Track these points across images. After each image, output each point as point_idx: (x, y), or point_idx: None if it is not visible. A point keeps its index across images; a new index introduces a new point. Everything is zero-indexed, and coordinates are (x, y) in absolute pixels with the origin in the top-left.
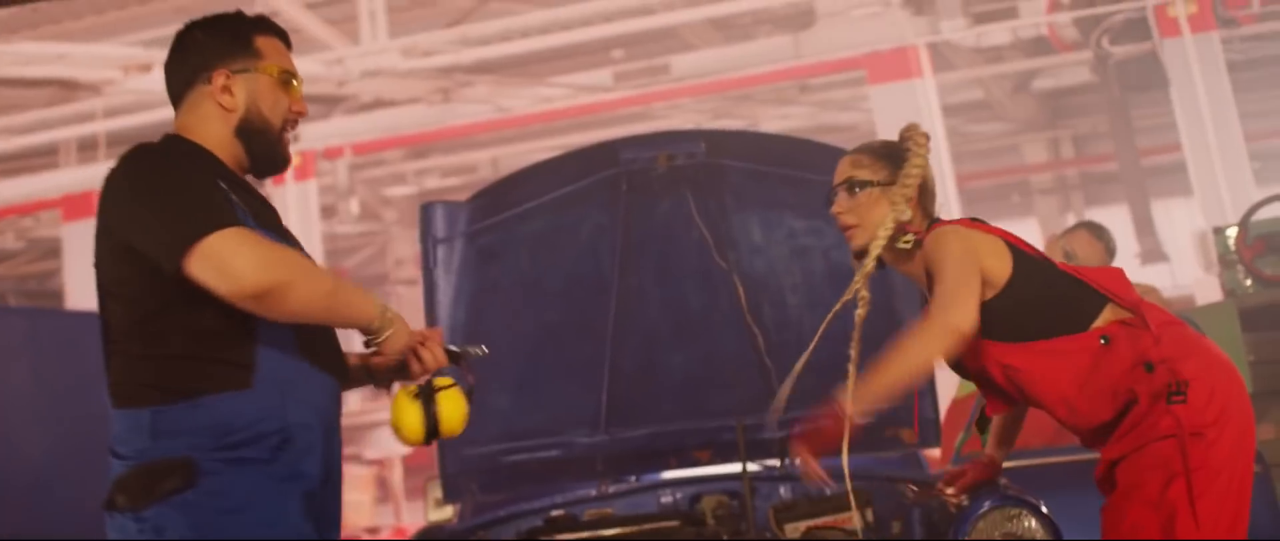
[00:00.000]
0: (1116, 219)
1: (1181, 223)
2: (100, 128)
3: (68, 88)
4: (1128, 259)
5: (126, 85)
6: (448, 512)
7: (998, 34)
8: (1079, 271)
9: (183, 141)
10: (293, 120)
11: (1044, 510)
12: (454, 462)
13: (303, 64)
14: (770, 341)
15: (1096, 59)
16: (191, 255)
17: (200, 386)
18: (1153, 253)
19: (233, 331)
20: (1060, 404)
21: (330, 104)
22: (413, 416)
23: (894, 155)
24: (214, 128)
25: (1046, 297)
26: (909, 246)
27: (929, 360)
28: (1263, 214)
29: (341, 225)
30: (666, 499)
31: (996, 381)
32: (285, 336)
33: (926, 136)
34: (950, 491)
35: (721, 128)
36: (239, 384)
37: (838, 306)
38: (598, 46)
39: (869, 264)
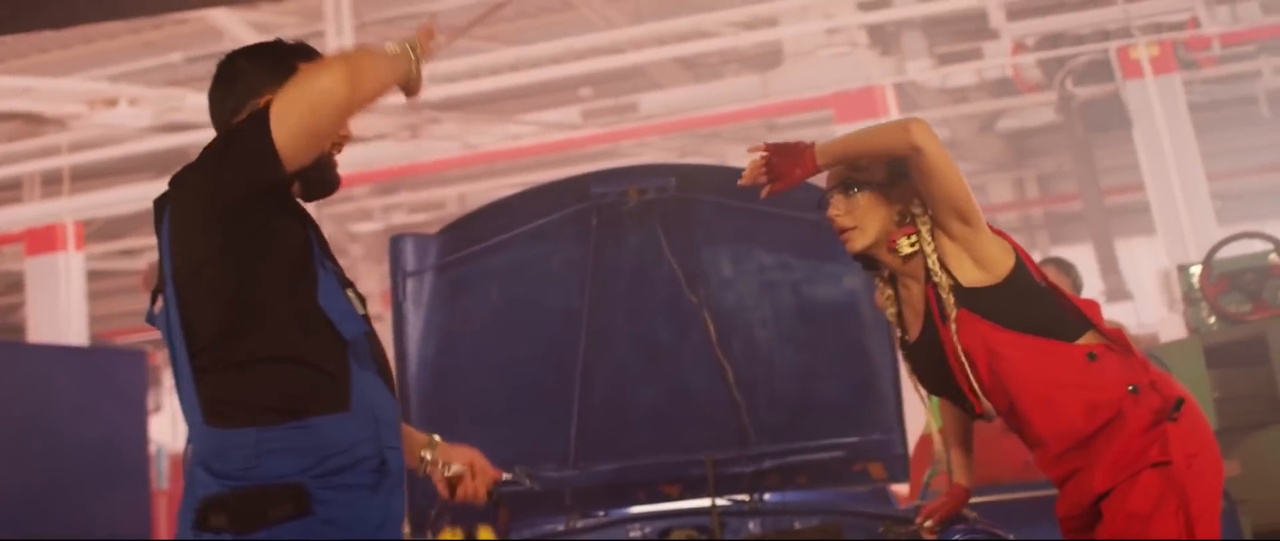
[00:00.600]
0: (1080, 257)
1: (1145, 261)
2: (65, 162)
3: (33, 121)
4: (1092, 297)
5: (92, 120)
6: None
7: (963, 75)
8: (1064, 294)
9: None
10: (340, 143)
11: None
12: (423, 497)
13: None
14: (740, 375)
15: (1061, 100)
16: (276, 138)
17: (305, 407)
18: (1117, 291)
19: (328, 350)
20: (1038, 403)
21: None
22: None
23: (890, 164)
24: None
25: (1042, 300)
26: (914, 250)
27: (893, 133)
28: (1226, 252)
29: None
30: (635, 533)
31: (979, 368)
32: (367, 361)
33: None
34: (929, 525)
35: (691, 162)
36: (339, 406)
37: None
38: (566, 84)
39: (942, 278)
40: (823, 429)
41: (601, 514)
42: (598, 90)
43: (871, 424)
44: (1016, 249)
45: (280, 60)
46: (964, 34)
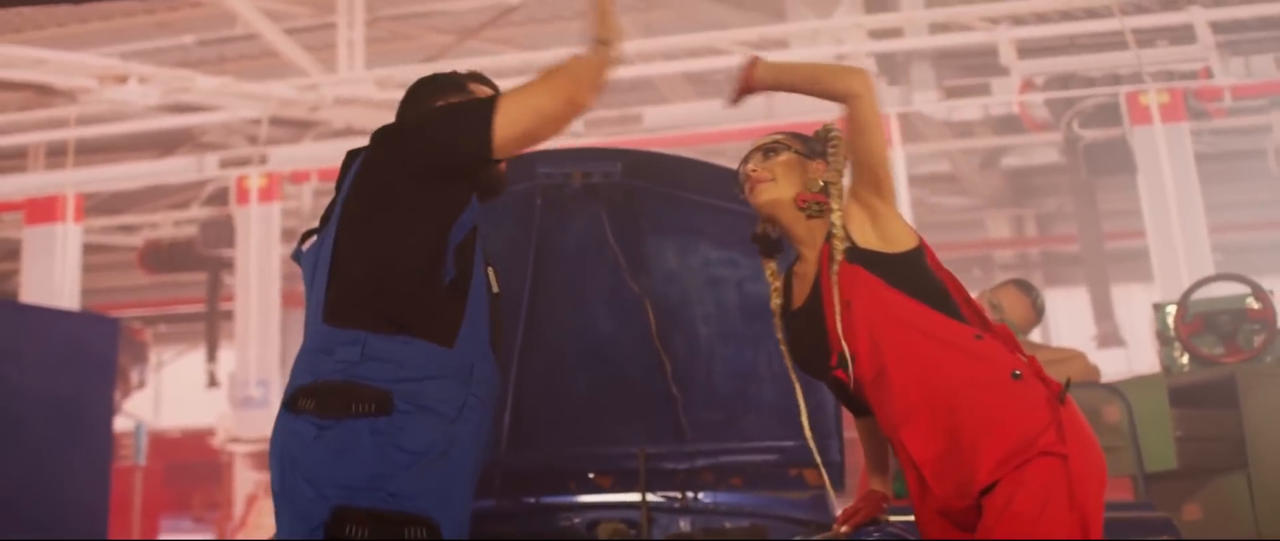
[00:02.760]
0: (1076, 301)
1: (1140, 308)
2: (71, 134)
3: (43, 93)
4: (1085, 342)
5: (102, 95)
6: None
7: (969, 109)
8: (960, 292)
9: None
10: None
11: None
12: None
13: (276, 87)
14: (679, 370)
15: (1066, 141)
16: (495, 133)
17: (416, 328)
18: (1110, 336)
19: (450, 294)
20: (917, 360)
21: (301, 128)
22: None
23: (811, 141)
24: None
25: (935, 284)
26: (819, 212)
27: (834, 72)
28: (1203, 293)
29: None
30: (564, 522)
31: (857, 327)
32: (483, 326)
33: (841, 137)
34: (845, 529)
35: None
36: (446, 339)
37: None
38: None
39: (838, 243)
40: (760, 430)
41: (530, 500)
42: (603, 99)
43: (810, 428)
44: (923, 243)
45: (454, 82)
46: (973, 68)
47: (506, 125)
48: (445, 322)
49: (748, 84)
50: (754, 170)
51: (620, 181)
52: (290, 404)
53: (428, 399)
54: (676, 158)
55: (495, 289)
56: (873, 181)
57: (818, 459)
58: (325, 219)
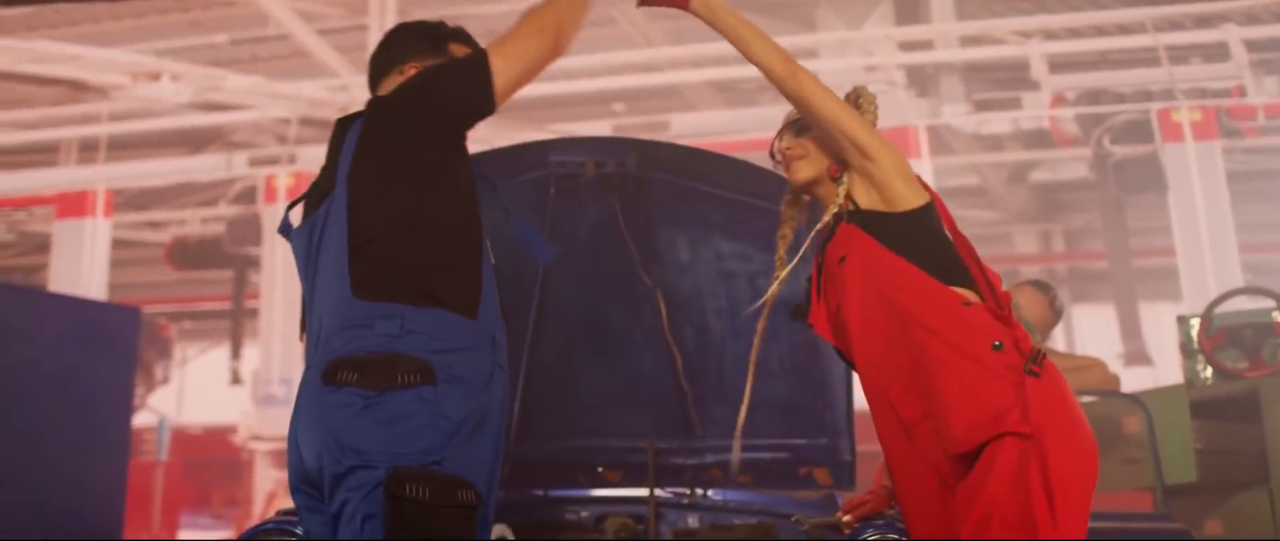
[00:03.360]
0: (1103, 319)
1: (1168, 327)
2: (102, 130)
3: (76, 88)
4: (1111, 359)
5: (134, 91)
6: None
7: (999, 123)
8: (968, 253)
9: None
10: None
11: None
12: None
13: (307, 87)
14: (690, 364)
15: (1096, 157)
16: (496, 82)
17: (446, 300)
18: (1137, 354)
19: (470, 265)
20: (893, 326)
21: (330, 129)
22: None
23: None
24: None
25: (937, 242)
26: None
27: (764, 50)
28: (1227, 307)
29: None
30: (571, 516)
31: (847, 281)
32: (494, 294)
33: (874, 98)
34: (847, 519)
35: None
36: (470, 311)
37: (795, 262)
38: (600, 98)
39: (841, 198)
40: (770, 428)
41: (539, 492)
42: (631, 106)
43: (820, 427)
44: (936, 201)
45: (433, 38)
46: (1003, 82)
47: (503, 73)
48: (469, 293)
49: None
50: (788, 147)
51: (634, 172)
52: (330, 377)
53: (461, 369)
54: (689, 149)
55: (491, 260)
56: (850, 149)
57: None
58: (317, 191)
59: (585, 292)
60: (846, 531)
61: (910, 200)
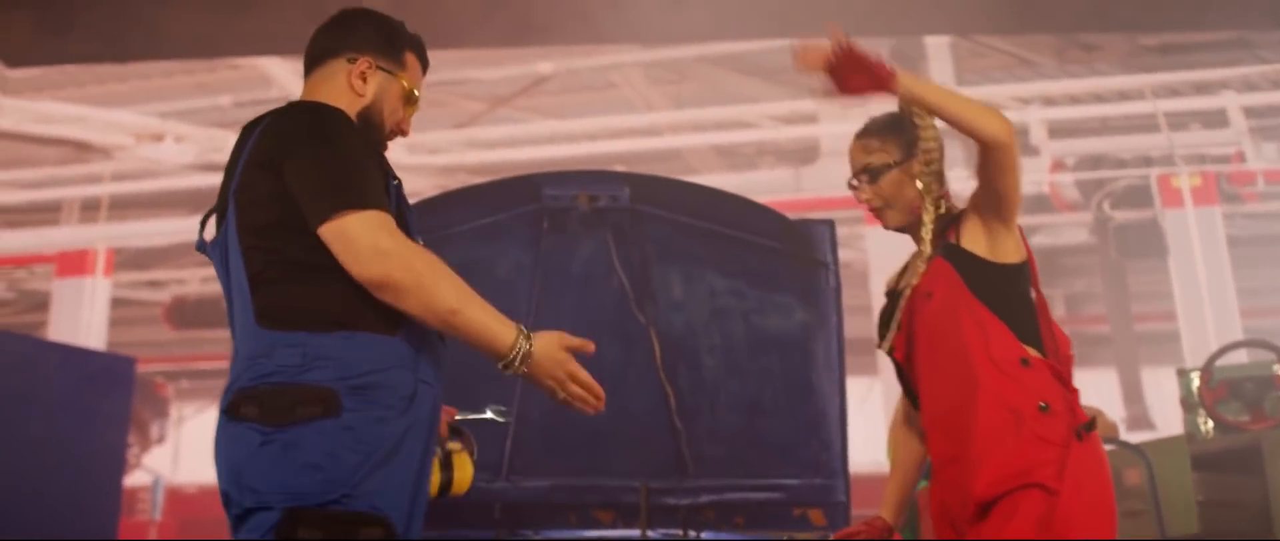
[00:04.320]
0: (1105, 383)
1: (1170, 392)
2: (105, 190)
3: (80, 149)
4: (1113, 422)
5: (137, 152)
6: None
7: None
8: (1047, 318)
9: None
10: (395, 134)
11: None
12: None
13: None
14: (683, 403)
15: (1096, 221)
16: (330, 223)
17: (355, 321)
18: (1139, 419)
19: None
20: (944, 371)
21: None
22: (433, 478)
23: (902, 129)
24: (341, 104)
25: (1021, 301)
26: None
27: (982, 116)
28: (1228, 360)
29: None
30: None
31: (917, 312)
32: None
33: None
34: None
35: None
36: (388, 328)
37: (907, 291)
38: (601, 161)
39: (927, 248)
40: (764, 468)
41: (529, 533)
42: (631, 168)
43: (815, 467)
44: (1030, 259)
45: (393, 39)
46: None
47: (339, 234)
48: (384, 309)
49: (875, 87)
50: (868, 201)
51: (627, 206)
52: (231, 410)
53: (375, 394)
54: (684, 183)
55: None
56: (998, 207)
57: None
58: (221, 203)
59: (577, 328)
60: None
61: (1011, 255)
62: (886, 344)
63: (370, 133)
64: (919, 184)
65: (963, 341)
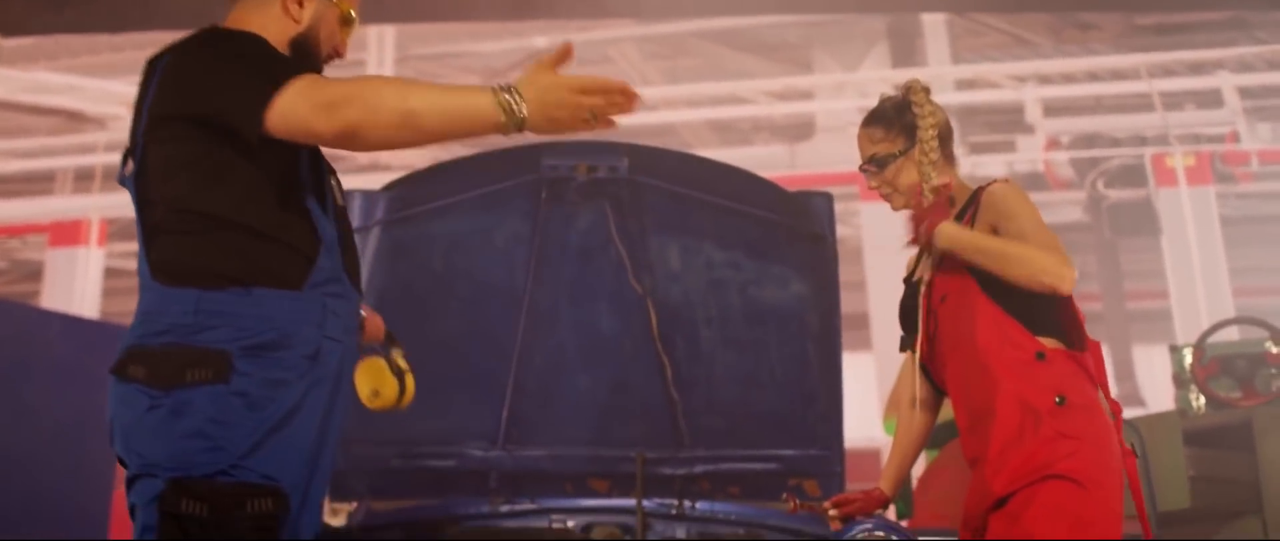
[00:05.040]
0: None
1: (1161, 370)
2: (98, 160)
3: (74, 119)
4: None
5: (130, 122)
6: (341, 516)
7: (993, 165)
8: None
9: (250, 34)
10: (331, 57)
11: None
12: (345, 461)
13: None
14: (679, 374)
15: (1090, 200)
16: (267, 118)
17: (253, 277)
18: (1130, 397)
19: (294, 227)
20: (962, 369)
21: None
22: (392, 385)
23: (905, 119)
24: (273, 30)
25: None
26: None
27: (1041, 267)
28: (1219, 337)
29: None
30: (558, 523)
31: (938, 312)
32: (333, 253)
33: (927, 90)
34: (833, 513)
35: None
36: (290, 284)
37: (923, 285)
38: (595, 134)
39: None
40: (760, 438)
41: (526, 501)
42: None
43: (810, 438)
44: None
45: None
46: (997, 125)
47: (282, 117)
48: (288, 264)
49: (919, 239)
50: (877, 187)
51: (626, 177)
52: (118, 370)
53: (273, 354)
54: (683, 154)
55: (339, 202)
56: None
57: None
58: (133, 144)
59: (575, 299)
60: (833, 527)
61: None
62: (912, 346)
63: (305, 60)
64: (917, 173)
65: (979, 344)
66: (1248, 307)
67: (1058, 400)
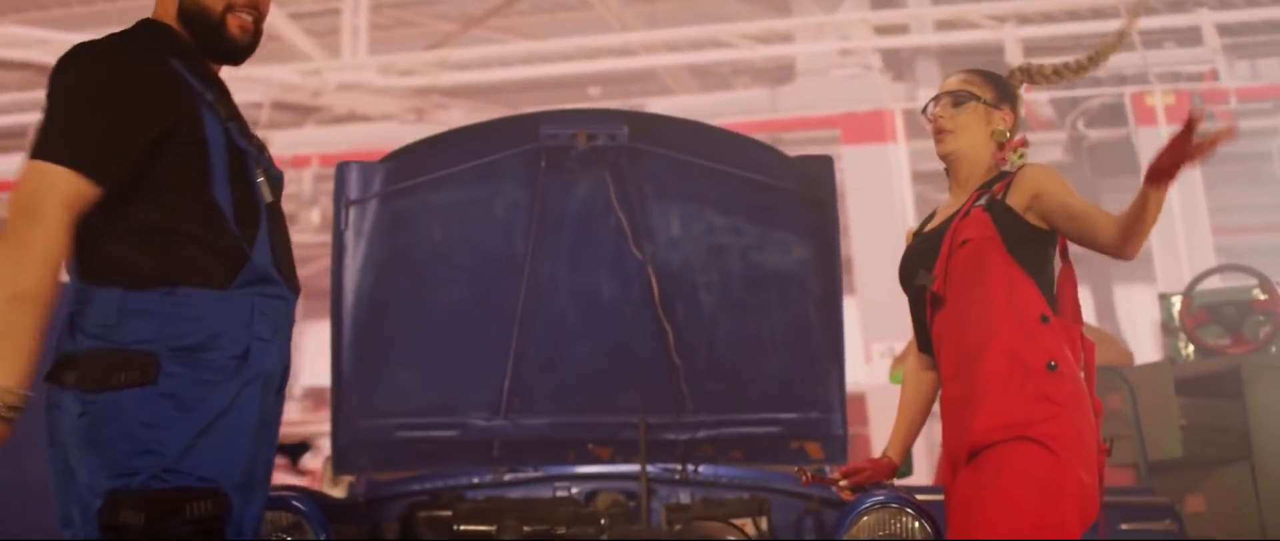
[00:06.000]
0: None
1: (1142, 309)
2: None
3: (44, 73)
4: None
5: None
6: (342, 488)
7: None
8: (1073, 289)
9: (154, 25)
10: (236, 6)
11: (927, 512)
12: (347, 434)
13: (280, 72)
14: (681, 340)
15: (1071, 140)
16: (24, 170)
17: (179, 276)
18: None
19: (217, 225)
20: (969, 315)
21: (303, 113)
22: None
23: (1001, 85)
24: (167, 9)
25: (1047, 268)
26: (1020, 161)
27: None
28: (1209, 285)
29: (302, 234)
30: (562, 491)
31: (956, 257)
32: (262, 251)
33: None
34: (843, 483)
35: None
36: (216, 283)
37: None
38: (575, 81)
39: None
40: (762, 402)
41: (529, 469)
42: (606, 90)
43: (812, 401)
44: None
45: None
46: (978, 66)
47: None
48: (213, 263)
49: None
50: (940, 117)
51: (626, 144)
52: (52, 375)
53: (201, 355)
54: (683, 121)
55: (268, 197)
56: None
57: None
58: None
59: (575, 267)
60: (844, 498)
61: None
62: (926, 280)
63: (201, 24)
64: (986, 125)
65: (988, 290)
66: (1227, 246)
67: (1049, 364)
